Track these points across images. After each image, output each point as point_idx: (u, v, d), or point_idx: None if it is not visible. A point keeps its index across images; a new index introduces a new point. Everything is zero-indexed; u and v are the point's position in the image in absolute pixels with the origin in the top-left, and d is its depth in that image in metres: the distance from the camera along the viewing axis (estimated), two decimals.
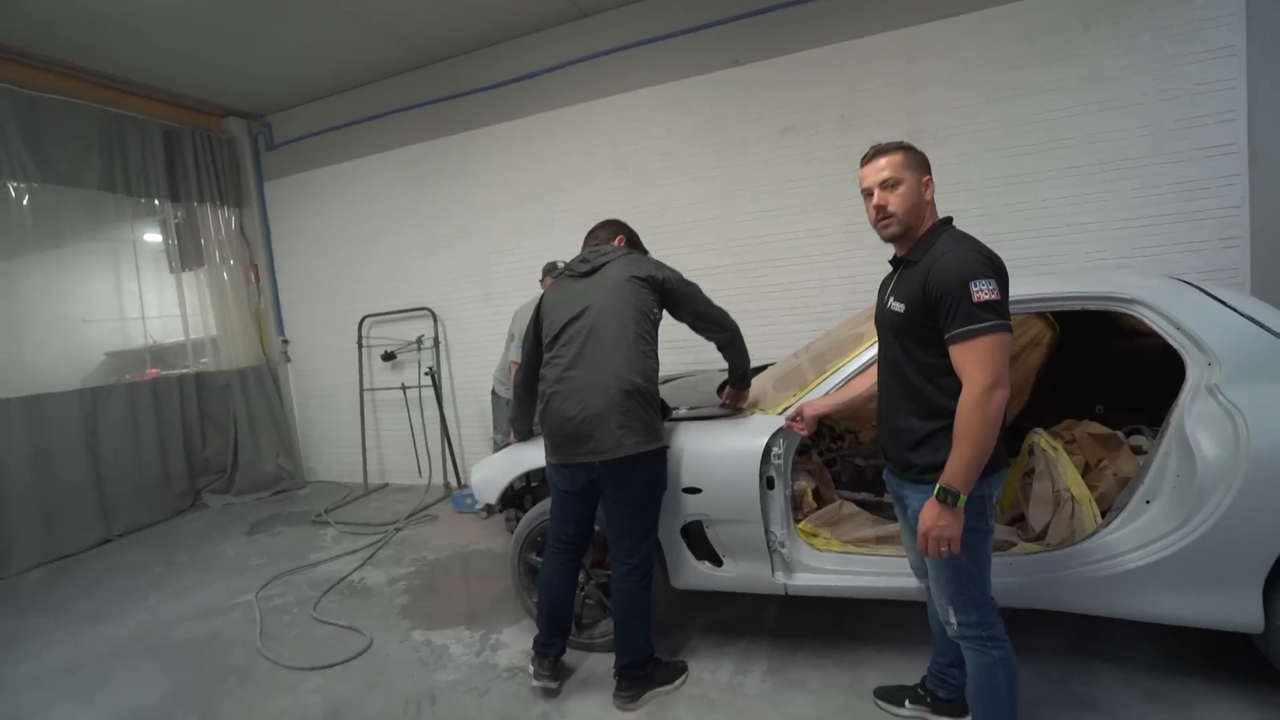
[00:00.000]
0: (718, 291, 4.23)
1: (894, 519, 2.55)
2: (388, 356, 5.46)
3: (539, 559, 2.71)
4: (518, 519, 3.09)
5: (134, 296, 5.21)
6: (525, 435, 2.74)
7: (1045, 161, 3.67)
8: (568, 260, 3.65)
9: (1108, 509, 2.19)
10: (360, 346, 5.61)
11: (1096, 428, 2.52)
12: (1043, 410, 2.87)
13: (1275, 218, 3.35)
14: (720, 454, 2.33)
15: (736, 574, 2.39)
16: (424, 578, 3.65)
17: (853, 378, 2.27)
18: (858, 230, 4.07)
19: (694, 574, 2.45)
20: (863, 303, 3.89)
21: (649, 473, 2.18)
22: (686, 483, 2.35)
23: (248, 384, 5.77)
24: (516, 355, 3.55)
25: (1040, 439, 2.52)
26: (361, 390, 5.62)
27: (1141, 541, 1.97)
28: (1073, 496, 2.30)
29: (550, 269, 3.76)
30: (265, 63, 4.89)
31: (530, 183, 4.91)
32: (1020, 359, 3.05)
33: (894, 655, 2.46)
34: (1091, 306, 2.18)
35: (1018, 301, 2.21)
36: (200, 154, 5.55)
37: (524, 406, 2.61)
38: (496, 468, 2.74)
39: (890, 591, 2.25)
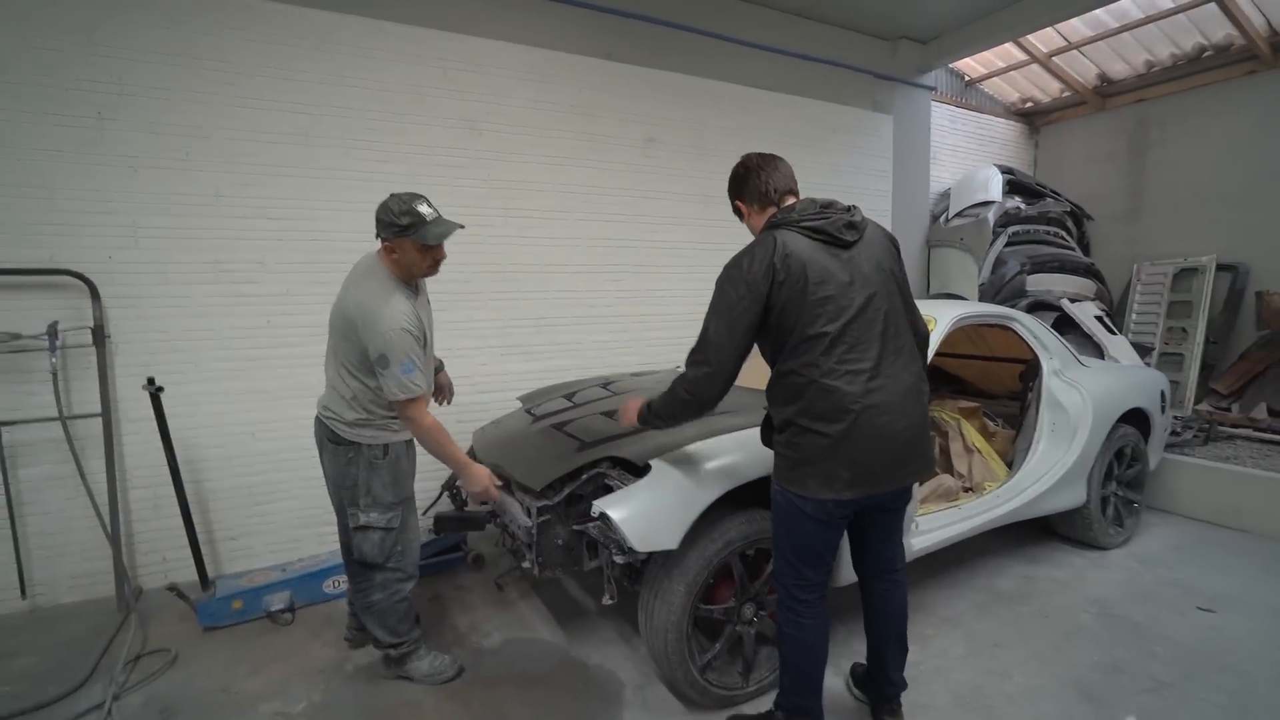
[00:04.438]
0: (573, 292, 4.05)
1: None
2: None
3: (708, 608, 2.15)
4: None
5: None
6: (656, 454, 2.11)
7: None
8: (435, 215, 2.07)
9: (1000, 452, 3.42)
10: None
11: (964, 402, 3.76)
12: None
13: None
14: None
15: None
16: None
17: None
18: (706, 249, 4.49)
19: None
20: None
21: None
22: None
23: None
24: (423, 383, 2.10)
25: (941, 412, 3.59)
26: None
27: (1049, 465, 3.20)
28: (976, 448, 3.43)
29: (416, 222, 2.06)
30: None
31: (318, 108, 3.32)
32: None
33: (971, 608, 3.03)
34: (999, 322, 3.35)
35: (979, 316, 3.22)
36: None
37: (695, 418, 1.98)
38: (672, 494, 1.98)
39: (959, 535, 2.85)
